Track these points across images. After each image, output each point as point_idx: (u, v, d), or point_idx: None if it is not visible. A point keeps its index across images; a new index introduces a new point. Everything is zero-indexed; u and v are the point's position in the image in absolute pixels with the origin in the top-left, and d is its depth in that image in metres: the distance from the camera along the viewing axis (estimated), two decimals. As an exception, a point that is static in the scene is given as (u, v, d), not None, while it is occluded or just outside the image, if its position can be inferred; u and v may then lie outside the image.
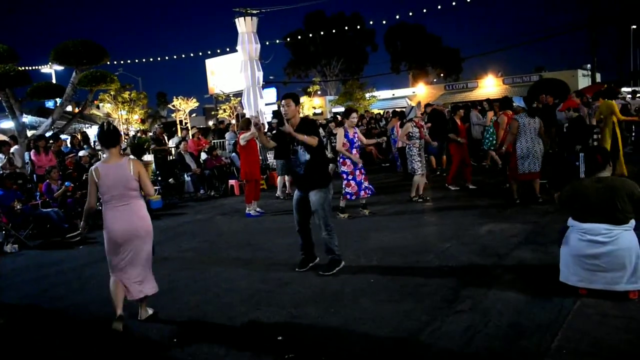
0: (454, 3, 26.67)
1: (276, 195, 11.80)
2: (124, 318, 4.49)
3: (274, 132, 7.01)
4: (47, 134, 13.20)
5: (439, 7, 28.30)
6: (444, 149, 13.17)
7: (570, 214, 4.68)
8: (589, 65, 33.49)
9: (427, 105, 14.76)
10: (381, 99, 40.98)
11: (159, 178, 13.91)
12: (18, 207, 8.73)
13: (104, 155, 4.81)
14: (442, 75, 53.36)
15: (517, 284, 4.90)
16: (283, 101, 5.76)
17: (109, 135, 4.64)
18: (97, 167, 4.58)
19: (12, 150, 11.73)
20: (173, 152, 15.71)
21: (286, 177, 11.69)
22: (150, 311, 4.80)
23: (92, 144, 15.84)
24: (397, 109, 17.46)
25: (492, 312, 4.27)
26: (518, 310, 4.28)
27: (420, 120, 10.01)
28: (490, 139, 13.11)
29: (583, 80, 36.29)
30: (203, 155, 14.34)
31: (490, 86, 40.58)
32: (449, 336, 3.91)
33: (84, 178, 10.50)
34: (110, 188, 4.53)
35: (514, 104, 12.49)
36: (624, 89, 24.69)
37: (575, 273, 4.49)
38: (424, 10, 31.29)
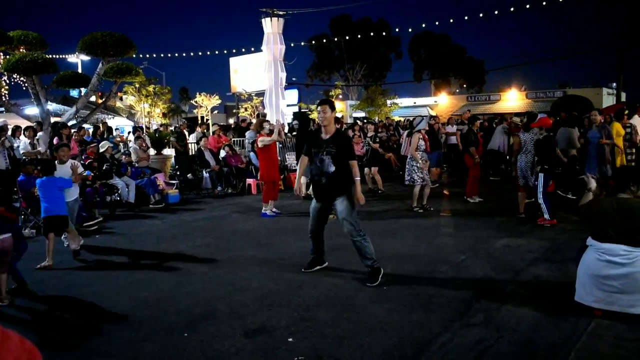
0: (480, 15, 26.61)
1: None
2: None
3: (308, 134, 6.75)
4: (70, 123, 13.38)
5: (466, 17, 28.03)
6: (440, 161, 13.75)
7: (589, 233, 4.63)
8: (614, 84, 33.06)
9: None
10: (403, 106, 40.87)
11: (178, 173, 14.01)
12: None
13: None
14: (464, 86, 53.13)
15: (532, 300, 4.86)
16: (320, 107, 5.59)
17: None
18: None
19: (37, 136, 11.92)
20: (193, 147, 15.81)
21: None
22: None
23: (114, 134, 16.02)
24: (409, 119, 17.37)
25: (504, 327, 4.24)
26: (531, 327, 4.23)
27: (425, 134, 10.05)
28: None
29: (608, 99, 35.86)
30: (222, 153, 14.41)
31: (512, 100, 40.41)
32: (459, 349, 3.88)
33: (104, 168, 10.61)
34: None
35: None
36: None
37: (591, 293, 4.43)
38: (451, 21, 31.16)
